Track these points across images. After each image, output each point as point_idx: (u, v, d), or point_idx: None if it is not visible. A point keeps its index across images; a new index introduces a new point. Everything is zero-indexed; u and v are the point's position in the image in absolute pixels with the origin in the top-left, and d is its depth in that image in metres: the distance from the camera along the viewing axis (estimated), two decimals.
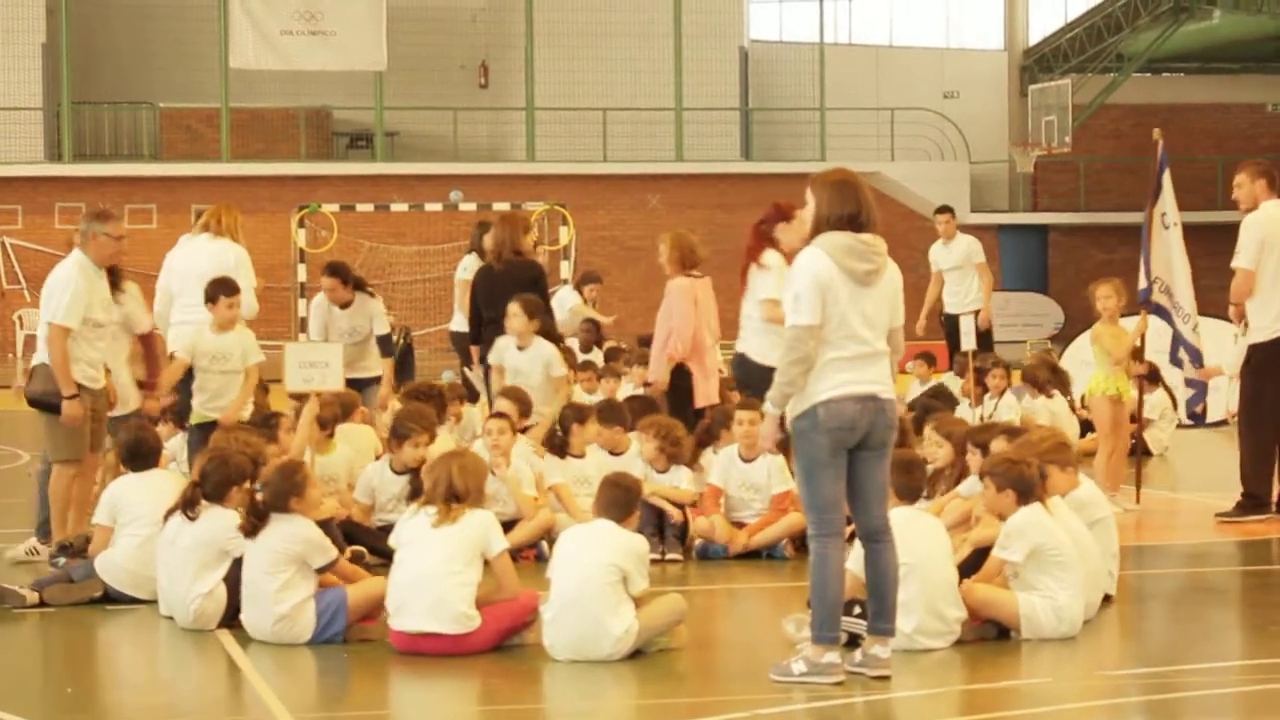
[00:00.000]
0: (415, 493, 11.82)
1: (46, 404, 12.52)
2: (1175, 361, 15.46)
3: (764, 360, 13.32)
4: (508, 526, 12.21)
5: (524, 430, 13.80)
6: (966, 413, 18.74)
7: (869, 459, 8.87)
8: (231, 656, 9.82)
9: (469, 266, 18.24)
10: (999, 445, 11.28)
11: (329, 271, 16.26)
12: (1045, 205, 44.13)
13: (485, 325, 15.06)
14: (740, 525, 13.04)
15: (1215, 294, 18.58)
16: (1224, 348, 17.59)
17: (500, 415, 13.31)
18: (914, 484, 9.99)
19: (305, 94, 40.01)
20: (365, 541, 12.25)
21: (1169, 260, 15.22)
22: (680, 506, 13.12)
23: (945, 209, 22.39)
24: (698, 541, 13.05)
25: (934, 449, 12.20)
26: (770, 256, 13.90)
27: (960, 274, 21.52)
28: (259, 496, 10.24)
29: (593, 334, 20.10)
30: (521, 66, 39.58)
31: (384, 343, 16.02)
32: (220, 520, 10.39)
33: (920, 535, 9.62)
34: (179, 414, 14.33)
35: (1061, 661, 9.53)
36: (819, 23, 42.24)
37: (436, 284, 35.94)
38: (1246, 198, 14.59)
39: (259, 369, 13.59)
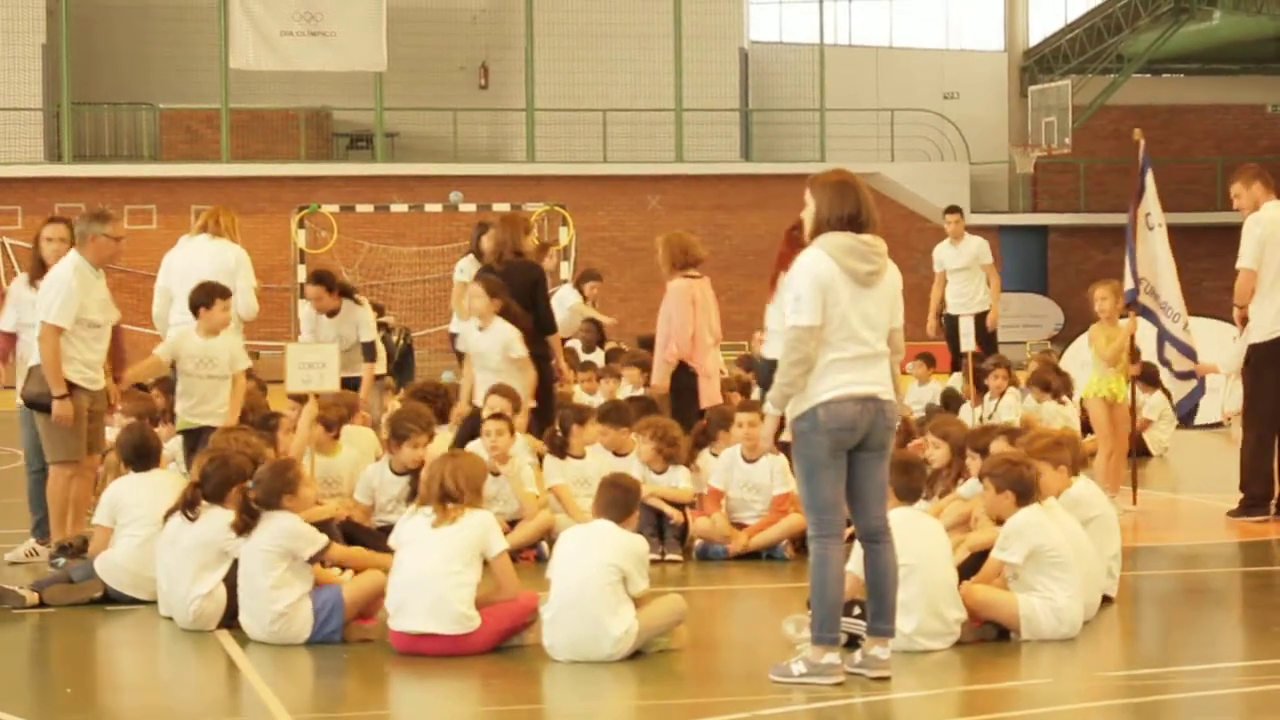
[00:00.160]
0: (415, 493, 11.82)
1: (43, 405, 12.52)
2: (1163, 362, 15.43)
3: None
4: (508, 527, 12.24)
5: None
6: (966, 413, 18.74)
7: (869, 460, 8.87)
8: (231, 657, 9.82)
9: (465, 269, 18.23)
10: (999, 446, 11.28)
11: (314, 280, 16.27)
12: (1045, 206, 44.14)
13: None
14: (741, 526, 13.05)
15: (1216, 295, 18.61)
16: (1222, 348, 17.59)
17: (498, 416, 13.31)
18: (913, 485, 9.99)
19: (305, 95, 40.02)
20: (365, 542, 12.21)
21: (1154, 261, 15.20)
22: (679, 507, 13.13)
23: (955, 209, 22.33)
24: (697, 542, 13.06)
25: (931, 449, 12.20)
26: None
27: (967, 275, 21.46)
28: (251, 494, 10.23)
29: (594, 334, 20.08)
30: (521, 67, 39.59)
31: (367, 349, 15.97)
32: (220, 521, 10.39)
33: (920, 536, 9.62)
34: (176, 414, 14.31)
35: (1061, 662, 9.53)
36: (819, 24, 42.26)
37: (436, 284, 35.95)
38: (1248, 203, 14.64)
39: (245, 376, 13.51)
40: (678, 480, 13.25)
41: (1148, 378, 20.14)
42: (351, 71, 38.02)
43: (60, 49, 37.70)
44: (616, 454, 13.67)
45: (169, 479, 11.68)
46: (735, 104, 42.29)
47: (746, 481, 13.08)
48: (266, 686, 9.10)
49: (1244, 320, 14.78)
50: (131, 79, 40.16)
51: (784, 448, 11.18)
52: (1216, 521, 14.65)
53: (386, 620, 9.83)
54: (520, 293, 14.86)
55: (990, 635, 9.84)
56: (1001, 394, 19.70)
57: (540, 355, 14.94)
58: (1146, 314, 15.21)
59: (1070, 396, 17.80)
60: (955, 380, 21.54)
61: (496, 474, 12.89)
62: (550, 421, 14.01)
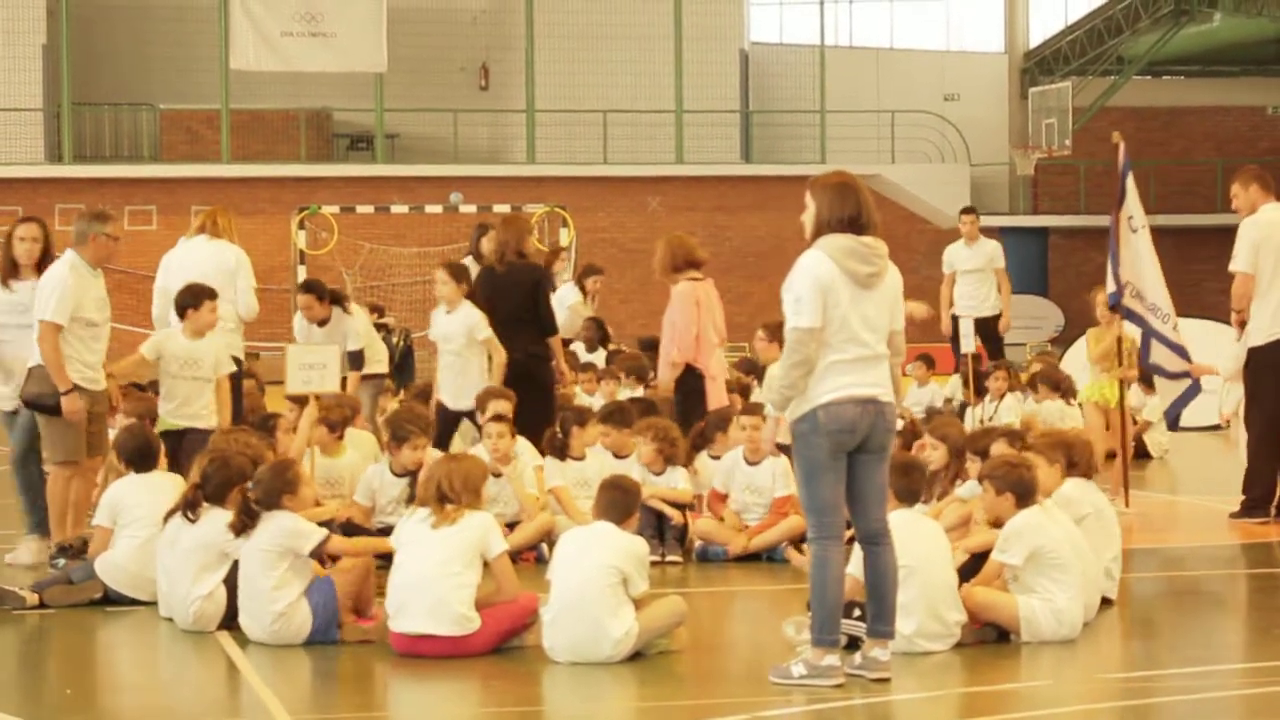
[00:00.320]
0: (415, 495, 11.82)
1: (42, 405, 12.52)
2: (1150, 367, 15.28)
3: None
4: (508, 529, 12.24)
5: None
6: (966, 415, 18.75)
7: (868, 462, 8.86)
8: (231, 658, 9.82)
9: None
10: (1000, 448, 11.28)
11: (304, 289, 16.28)
12: (1045, 208, 44.14)
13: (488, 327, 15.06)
14: (741, 528, 13.06)
15: (1215, 296, 18.60)
16: (1219, 350, 17.60)
17: (500, 418, 13.32)
18: (913, 486, 9.99)
19: (305, 96, 40.02)
20: None
21: (1138, 263, 15.15)
22: (679, 508, 13.13)
23: (970, 210, 22.25)
24: (697, 544, 13.06)
25: (930, 451, 12.19)
26: None
27: (980, 277, 21.38)
28: (250, 495, 10.23)
29: (595, 333, 20.01)
30: (522, 68, 39.59)
31: (353, 358, 15.94)
32: (221, 522, 10.38)
33: (920, 538, 9.62)
34: None
35: (1061, 664, 9.53)
36: (819, 25, 42.27)
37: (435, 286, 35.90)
38: (1245, 205, 14.65)
39: (230, 379, 13.49)
40: (677, 481, 13.25)
41: (1149, 380, 20.15)
42: (352, 72, 38.02)
43: (60, 49, 37.71)
44: (617, 456, 13.67)
45: (169, 480, 11.68)
46: (735, 105, 42.29)
47: (749, 484, 13.08)
48: (266, 687, 9.10)
49: (1242, 324, 14.78)
50: (132, 79, 40.17)
51: (786, 450, 11.19)
52: (1217, 523, 14.65)
53: (386, 621, 9.83)
54: (522, 294, 14.88)
55: (990, 637, 9.84)
56: (1001, 396, 19.70)
57: (541, 357, 14.95)
58: (1131, 316, 15.17)
59: (1074, 398, 17.82)
60: (957, 382, 21.54)
61: (498, 475, 12.91)
62: (550, 423, 14.01)
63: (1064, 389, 17.90)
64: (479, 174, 38.54)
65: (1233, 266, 14.49)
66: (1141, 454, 19.64)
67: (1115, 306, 15.20)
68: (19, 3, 38.50)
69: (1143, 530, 14.35)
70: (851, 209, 8.87)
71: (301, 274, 30.02)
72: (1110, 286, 15.23)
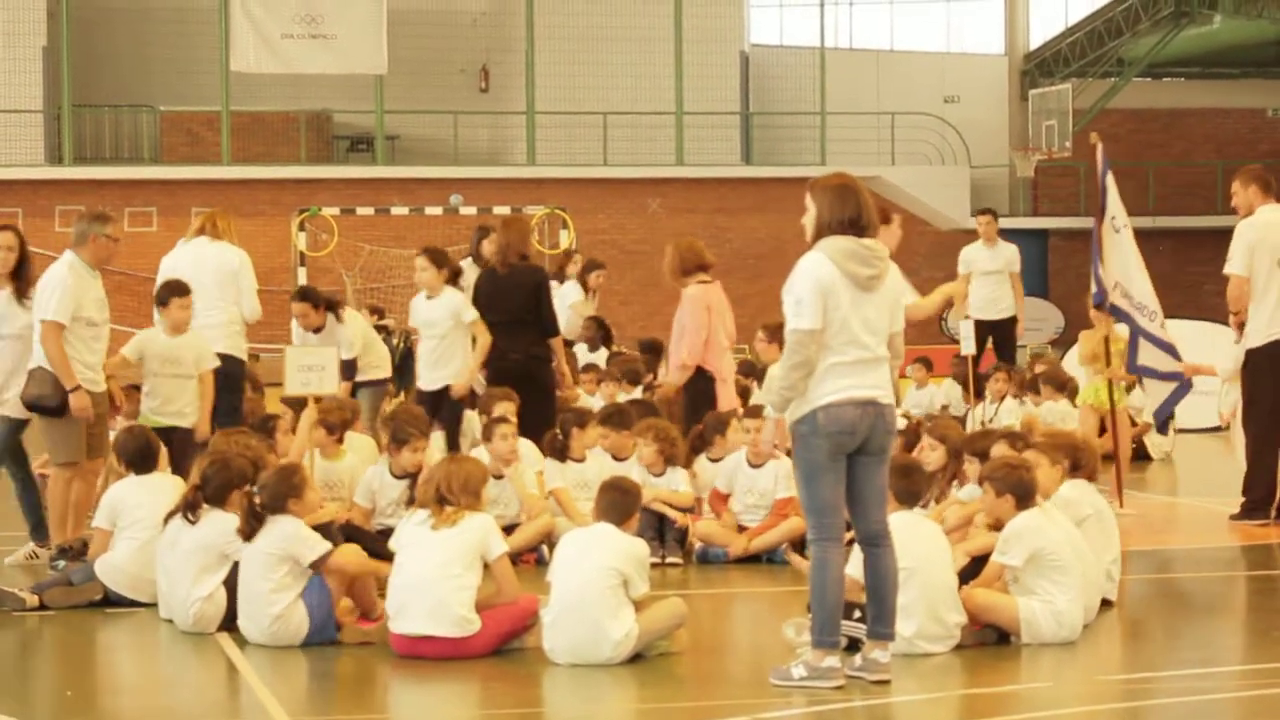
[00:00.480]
0: (415, 497, 11.82)
1: (43, 407, 12.52)
2: (1139, 369, 15.18)
3: None
4: (508, 531, 12.24)
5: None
6: (969, 417, 18.77)
7: (868, 464, 8.87)
8: (231, 660, 9.82)
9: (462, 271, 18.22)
10: (1000, 450, 11.28)
11: (299, 297, 16.29)
12: (1045, 210, 44.12)
13: (489, 330, 15.04)
14: (741, 529, 13.06)
15: (1216, 298, 18.58)
16: (1217, 350, 17.60)
17: (504, 420, 13.33)
18: (913, 488, 9.99)
19: (306, 97, 39.99)
20: (366, 545, 12.23)
21: (1124, 263, 15.11)
22: (681, 510, 13.13)
23: (988, 211, 22.17)
24: (698, 545, 13.06)
25: (928, 452, 12.19)
26: None
27: (999, 279, 21.33)
28: (256, 499, 10.24)
29: (596, 333, 19.96)
30: (522, 70, 39.57)
31: (346, 367, 15.90)
32: (221, 524, 10.39)
33: (920, 539, 9.62)
34: None
35: (1062, 666, 9.53)
36: (819, 27, 42.24)
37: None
38: (1243, 204, 14.66)
39: (212, 375, 13.49)
40: (677, 483, 13.26)
41: None
42: (352, 74, 37.97)
43: (61, 51, 37.69)
44: (616, 457, 13.67)
45: (169, 482, 11.68)
46: (736, 107, 42.28)
47: (751, 486, 13.09)
48: (266, 689, 9.10)
49: (1241, 325, 14.78)
50: (132, 81, 40.14)
51: (787, 452, 11.20)
52: (1217, 525, 14.65)
53: (386, 623, 9.83)
54: (524, 295, 14.88)
55: (990, 639, 9.84)
56: (1001, 398, 19.73)
57: (542, 358, 14.95)
58: (1117, 312, 15.11)
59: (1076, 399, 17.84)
60: (950, 385, 21.55)
61: (499, 477, 12.92)
62: (551, 425, 14.02)
63: (1069, 390, 17.92)
64: (479, 176, 38.52)
65: (1227, 269, 14.52)
66: (1142, 456, 19.64)
67: (1100, 305, 15.16)
68: (19, 4, 38.46)
69: (1143, 532, 14.35)
70: (852, 211, 8.87)
71: (302, 276, 30.02)
72: (1092, 287, 15.22)
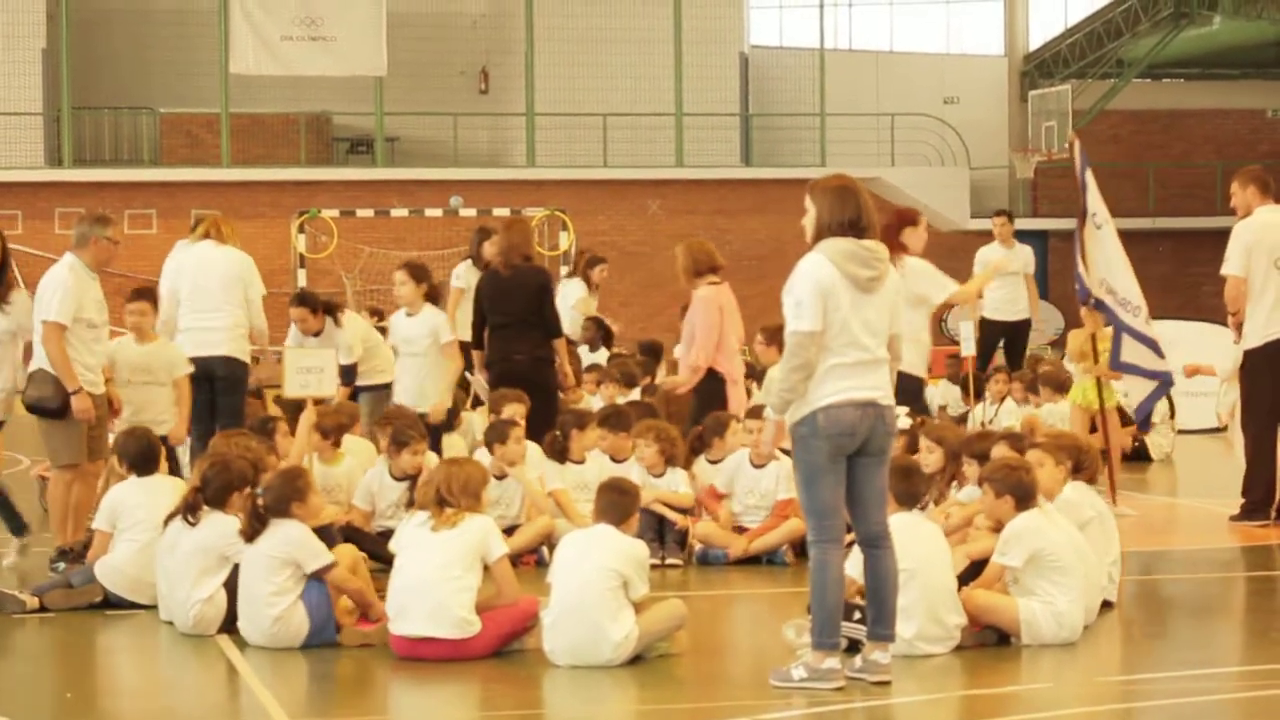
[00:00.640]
0: (415, 499, 11.83)
1: (43, 409, 12.52)
2: (1122, 366, 15.13)
3: (909, 369, 13.38)
4: (509, 532, 12.24)
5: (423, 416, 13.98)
6: (970, 418, 18.75)
7: (868, 465, 8.87)
8: (231, 662, 9.82)
9: (462, 274, 18.22)
10: (1000, 451, 11.27)
11: (297, 301, 16.24)
12: (1045, 211, 44.11)
13: (492, 331, 15.04)
14: (742, 530, 13.05)
15: (1215, 299, 18.57)
16: (1216, 350, 17.61)
17: (514, 423, 13.34)
18: (913, 490, 9.99)
19: (305, 99, 39.99)
20: (365, 547, 12.24)
21: (1107, 260, 15.08)
22: (681, 512, 13.12)
23: (1004, 212, 22.16)
24: (698, 547, 13.06)
25: (925, 454, 12.18)
26: (910, 260, 13.66)
27: (1015, 280, 21.32)
28: (260, 501, 10.25)
29: (597, 333, 19.93)
30: (522, 72, 39.57)
31: (345, 372, 15.88)
32: (221, 526, 10.40)
33: (920, 541, 9.62)
34: None
35: (1062, 667, 9.53)
36: (819, 28, 42.23)
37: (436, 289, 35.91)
38: (1241, 205, 14.67)
39: (187, 381, 13.47)
40: (677, 484, 13.25)
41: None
42: (352, 76, 37.98)
43: (60, 53, 37.69)
44: (615, 459, 13.66)
45: (169, 484, 11.68)
46: (735, 109, 42.28)
47: (753, 487, 13.09)
48: (266, 691, 9.10)
49: (1239, 326, 14.78)
50: (132, 83, 40.14)
51: (787, 453, 11.19)
52: (1217, 526, 14.65)
53: (386, 625, 9.83)
54: (527, 297, 14.86)
55: (990, 640, 9.84)
56: (1001, 399, 19.71)
57: (546, 360, 14.94)
58: (1102, 308, 15.08)
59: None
60: (945, 386, 21.50)
61: (501, 478, 12.94)
62: (552, 426, 14.01)
63: (1068, 390, 17.90)
64: (479, 177, 38.53)
65: (1225, 270, 14.53)
66: (1142, 456, 19.64)
67: (1085, 301, 15.14)
68: (19, 7, 38.47)
69: (1143, 533, 14.34)
70: (852, 212, 8.88)
71: (301, 278, 30.04)
72: (1076, 283, 15.21)
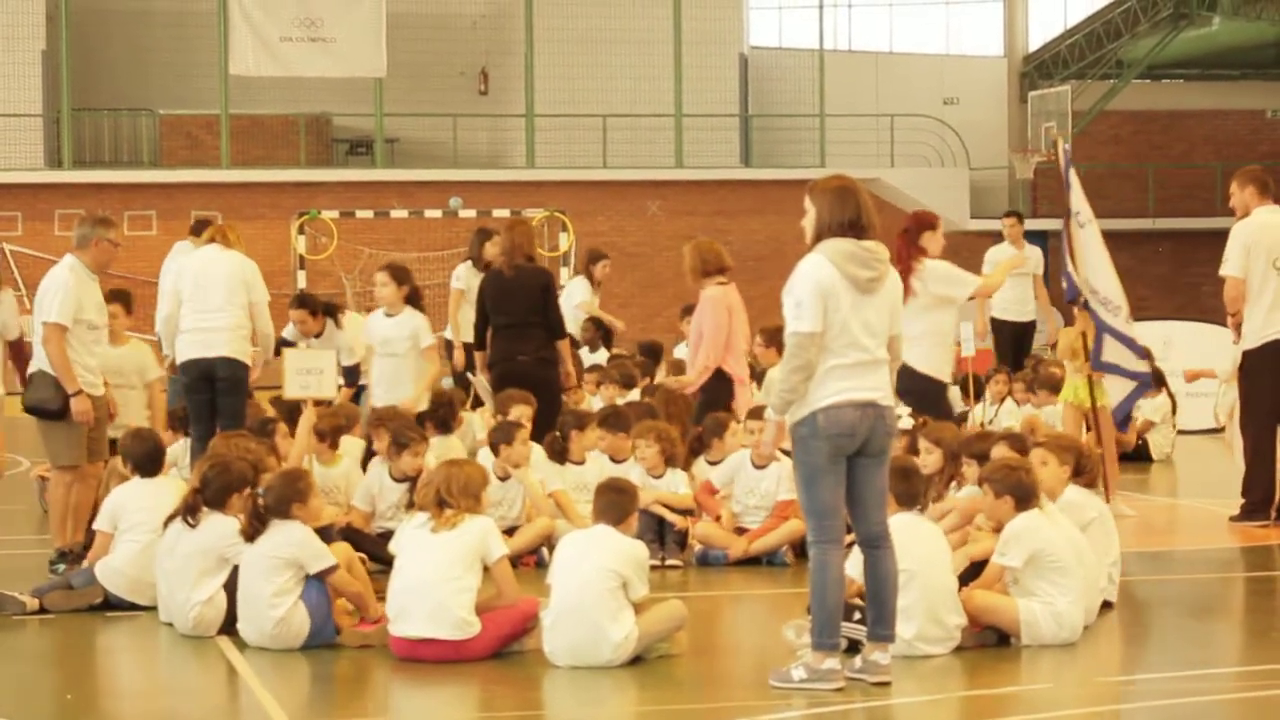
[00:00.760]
0: (415, 500, 11.83)
1: (44, 410, 12.52)
2: (1099, 365, 15.10)
3: (933, 373, 13.39)
4: (510, 533, 12.25)
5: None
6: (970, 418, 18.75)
7: (868, 465, 8.87)
8: (231, 663, 9.82)
9: (462, 275, 18.22)
10: (1000, 451, 11.27)
11: (297, 303, 16.24)
12: (1045, 211, 44.08)
13: (495, 332, 15.04)
14: (742, 531, 13.05)
15: (1214, 300, 18.58)
16: (1220, 353, 17.61)
17: (520, 425, 13.34)
18: (913, 490, 9.98)
19: (305, 101, 39.99)
20: (365, 548, 12.25)
21: (1087, 258, 15.07)
22: (681, 513, 13.12)
23: (1014, 213, 22.15)
24: (697, 547, 13.05)
25: (924, 455, 12.17)
26: (928, 263, 13.67)
27: (1026, 281, 21.34)
28: (261, 501, 10.25)
29: (596, 333, 19.92)
30: (521, 73, 39.58)
31: (346, 373, 15.88)
32: (220, 527, 10.40)
33: (920, 541, 9.62)
34: (181, 420, 14.32)
35: (1062, 667, 9.53)
36: (819, 29, 42.23)
37: (436, 291, 35.82)
38: (1240, 205, 14.68)
39: (159, 385, 13.46)
40: (677, 485, 13.25)
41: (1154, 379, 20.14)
42: (351, 77, 37.99)
43: (60, 55, 37.69)
44: (614, 460, 13.66)
45: (171, 485, 11.68)
46: (735, 109, 42.28)
47: (754, 488, 13.08)
48: (266, 692, 9.10)
49: (1238, 327, 14.78)
50: (131, 85, 40.14)
51: (787, 453, 11.19)
52: (1217, 526, 14.65)
53: (386, 626, 9.83)
54: (530, 297, 14.85)
55: (990, 640, 9.84)
56: (1001, 400, 19.71)
57: (550, 361, 14.94)
58: (1086, 307, 15.09)
59: None
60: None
61: (505, 478, 12.95)
62: (554, 428, 14.01)
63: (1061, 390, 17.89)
64: (478, 179, 38.53)
65: (1223, 270, 14.54)
66: (1142, 456, 19.64)
67: (1074, 300, 15.13)
68: (18, 8, 38.48)
69: (1143, 533, 14.35)
70: (851, 213, 8.88)
71: (301, 279, 30.03)
72: (1063, 282, 15.21)
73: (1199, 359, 17.77)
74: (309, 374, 12.94)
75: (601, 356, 19.33)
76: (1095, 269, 14.87)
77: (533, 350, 14.82)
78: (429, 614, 9.56)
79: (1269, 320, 14.36)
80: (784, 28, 45.11)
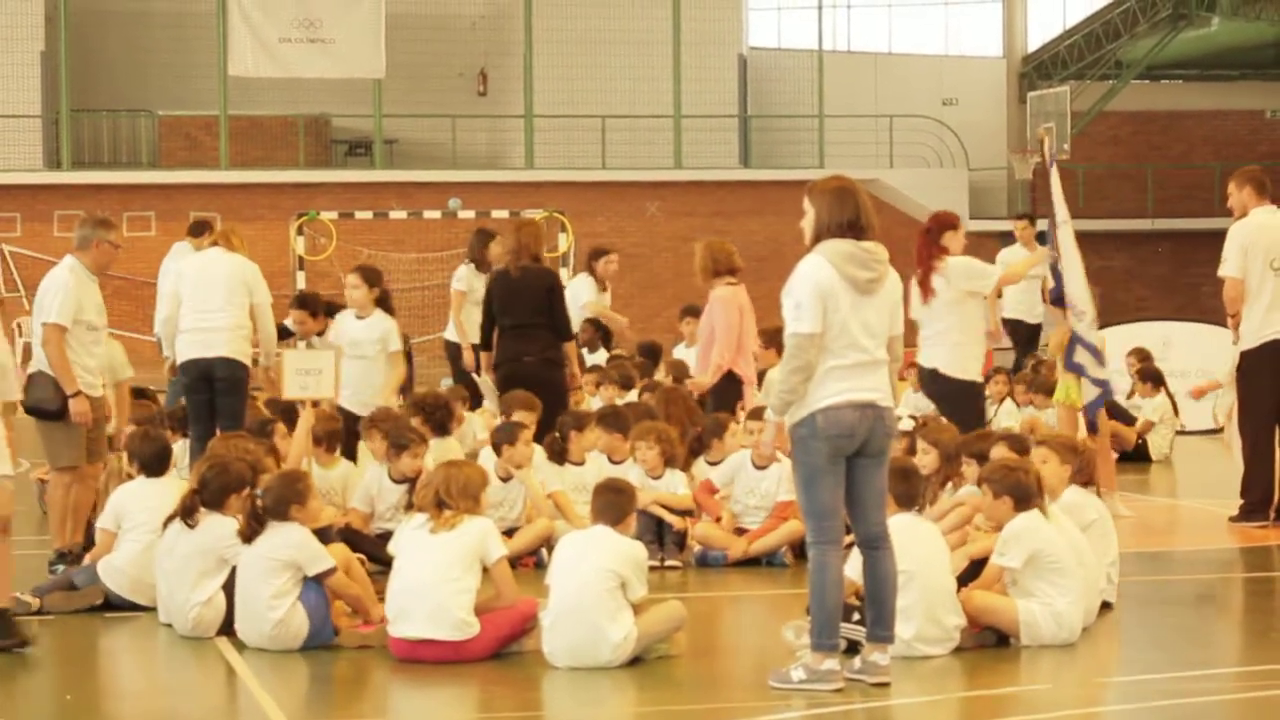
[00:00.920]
0: (414, 501, 11.82)
1: (43, 411, 12.51)
2: (1070, 366, 15.07)
3: (959, 373, 13.37)
4: (509, 534, 12.24)
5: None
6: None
7: (867, 466, 8.87)
8: (230, 664, 9.82)
9: (463, 277, 18.21)
10: (1000, 452, 11.27)
11: (297, 304, 16.24)
12: (1044, 212, 44.12)
13: (502, 333, 15.03)
14: (741, 532, 13.05)
15: (1213, 301, 18.58)
16: (1219, 354, 17.60)
17: (523, 426, 13.34)
18: (912, 491, 9.98)
19: (304, 102, 39.99)
20: (364, 549, 12.25)
21: (1064, 259, 15.04)
22: (679, 514, 13.12)
23: (1025, 215, 22.16)
24: (697, 548, 13.05)
25: (921, 456, 12.17)
26: (950, 260, 13.68)
27: (1035, 284, 21.36)
28: (259, 502, 10.24)
29: (594, 333, 19.90)
30: (520, 74, 39.58)
31: None
32: (219, 528, 10.40)
33: (919, 542, 9.62)
34: (180, 420, 14.31)
35: (1061, 668, 9.53)
36: (818, 30, 42.24)
37: (435, 291, 35.92)
38: (1237, 206, 14.69)
39: (127, 386, 13.44)
40: (676, 486, 13.24)
41: (1152, 378, 20.16)
42: (350, 78, 38.00)
43: (59, 56, 37.69)
44: (612, 460, 13.66)
45: (175, 486, 11.67)
46: (734, 110, 42.28)
47: (754, 488, 13.08)
48: (265, 693, 9.10)
49: (1238, 327, 14.78)
50: (130, 86, 40.14)
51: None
52: (1216, 527, 14.65)
53: (385, 627, 9.83)
54: (536, 298, 14.85)
55: (989, 641, 9.84)
56: (1001, 400, 19.71)
57: (556, 362, 14.94)
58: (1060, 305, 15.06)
59: None
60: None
61: (507, 479, 12.95)
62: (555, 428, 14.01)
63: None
64: (477, 179, 38.52)
65: (1222, 271, 14.54)
66: (1142, 456, 19.64)
67: (1056, 301, 15.12)
68: (17, 9, 38.48)
69: (1142, 534, 14.35)
70: (850, 213, 8.88)
71: (300, 280, 30.03)
72: (1050, 282, 15.20)
73: (1199, 359, 17.78)
74: (308, 374, 12.93)
75: (600, 357, 19.31)
76: (1067, 273, 14.89)
77: (538, 351, 14.82)
78: (428, 615, 9.56)
79: (1267, 320, 14.36)
80: (783, 28, 45.12)
